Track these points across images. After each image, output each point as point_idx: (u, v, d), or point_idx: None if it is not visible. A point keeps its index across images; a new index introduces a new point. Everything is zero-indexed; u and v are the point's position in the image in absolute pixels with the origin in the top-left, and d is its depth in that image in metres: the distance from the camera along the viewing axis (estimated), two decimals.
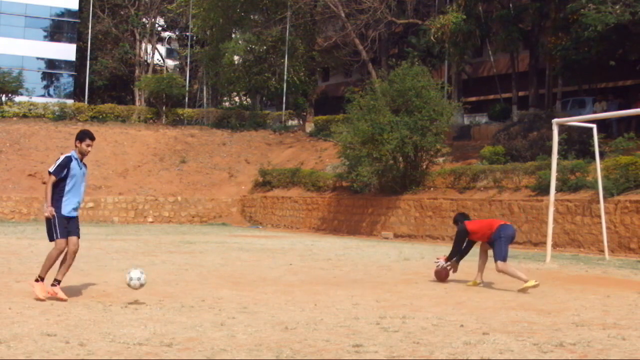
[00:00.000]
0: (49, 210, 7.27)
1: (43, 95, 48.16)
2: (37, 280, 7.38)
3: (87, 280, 9.11)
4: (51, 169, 7.37)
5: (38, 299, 7.15)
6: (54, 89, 51.76)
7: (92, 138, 7.64)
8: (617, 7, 21.39)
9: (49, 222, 7.37)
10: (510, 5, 29.88)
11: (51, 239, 7.43)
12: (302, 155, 33.34)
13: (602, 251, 14.97)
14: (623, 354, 5.15)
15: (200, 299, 7.55)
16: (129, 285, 7.31)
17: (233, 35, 41.61)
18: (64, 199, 7.40)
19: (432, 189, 22.55)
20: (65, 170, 7.37)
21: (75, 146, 7.54)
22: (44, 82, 51.45)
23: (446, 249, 17.11)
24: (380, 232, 22.74)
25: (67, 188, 7.42)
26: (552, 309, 7.37)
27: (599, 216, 15.25)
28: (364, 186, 24.51)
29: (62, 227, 7.37)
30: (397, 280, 9.93)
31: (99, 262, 11.59)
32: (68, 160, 7.42)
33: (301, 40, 39.49)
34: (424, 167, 23.43)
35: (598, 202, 15.28)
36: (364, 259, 13.52)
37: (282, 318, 6.45)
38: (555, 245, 15.64)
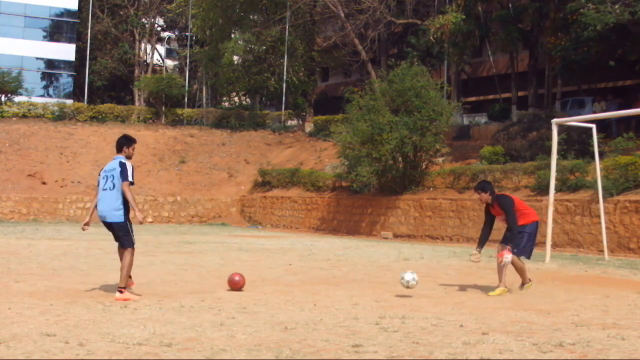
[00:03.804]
0: (144, 216, 7.58)
1: (42, 96, 48.14)
2: (121, 292, 7.38)
3: (87, 280, 9.10)
4: (130, 179, 7.47)
5: (134, 300, 7.29)
6: (53, 89, 51.74)
7: (136, 141, 8.00)
8: (617, 6, 21.40)
9: (126, 228, 7.53)
10: (510, 5, 29.89)
11: (128, 245, 7.56)
12: (301, 155, 33.34)
13: (602, 251, 14.97)
14: (622, 354, 5.15)
15: (199, 299, 7.56)
16: (407, 287, 8.12)
17: (232, 36, 41.60)
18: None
19: (431, 189, 22.56)
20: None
21: (122, 151, 7.72)
22: (44, 82, 51.43)
23: (445, 249, 17.14)
24: (380, 232, 22.74)
25: None
26: (552, 309, 7.37)
27: (599, 216, 15.25)
28: (363, 186, 24.51)
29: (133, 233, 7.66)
30: (397, 280, 9.92)
31: (99, 262, 11.60)
32: (132, 166, 7.64)
33: (300, 40, 39.49)
34: (424, 167, 23.44)
35: (597, 202, 15.28)
36: (363, 259, 13.52)
37: (282, 318, 6.45)
38: (554, 245, 15.65)
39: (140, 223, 7.54)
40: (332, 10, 35.25)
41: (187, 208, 30.77)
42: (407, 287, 8.10)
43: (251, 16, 41.43)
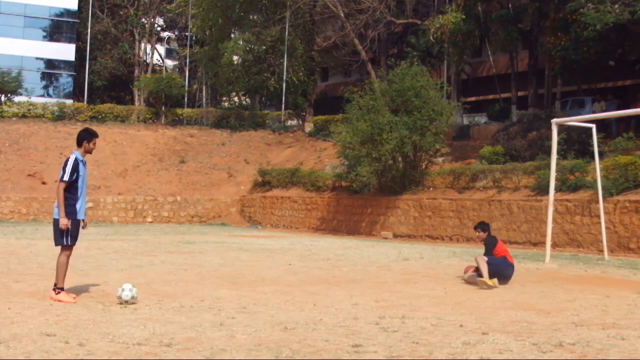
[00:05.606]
0: (65, 223, 7.14)
1: (42, 96, 48.16)
2: (57, 293, 7.21)
3: (87, 280, 9.10)
4: (66, 178, 7.18)
5: (68, 302, 7.06)
6: (53, 89, 51.76)
7: (97, 136, 7.71)
8: (616, 6, 21.39)
9: (58, 226, 7.22)
10: (510, 5, 29.89)
11: (58, 244, 7.29)
12: (301, 155, 33.34)
13: (602, 251, 14.97)
14: (622, 354, 5.16)
15: (199, 299, 7.55)
16: (121, 297, 7.10)
17: (232, 35, 41.58)
18: (77, 203, 7.34)
19: (431, 189, 22.56)
20: (76, 173, 7.30)
21: (82, 146, 7.47)
22: (43, 82, 51.45)
23: (445, 248, 17.15)
24: (380, 232, 22.73)
25: (79, 191, 7.36)
26: (552, 308, 7.37)
27: (598, 216, 15.25)
28: (363, 186, 24.51)
29: (75, 233, 7.30)
30: (397, 280, 9.93)
31: (98, 262, 11.59)
32: (77, 162, 7.33)
33: (300, 40, 39.48)
34: (423, 167, 23.43)
35: (597, 202, 15.28)
36: (363, 259, 13.52)
37: (282, 318, 6.45)
38: (554, 245, 15.65)
39: (62, 230, 7.14)
40: (332, 10, 35.26)
41: (187, 208, 30.77)
42: (128, 302, 7.07)
43: (251, 16, 41.43)
